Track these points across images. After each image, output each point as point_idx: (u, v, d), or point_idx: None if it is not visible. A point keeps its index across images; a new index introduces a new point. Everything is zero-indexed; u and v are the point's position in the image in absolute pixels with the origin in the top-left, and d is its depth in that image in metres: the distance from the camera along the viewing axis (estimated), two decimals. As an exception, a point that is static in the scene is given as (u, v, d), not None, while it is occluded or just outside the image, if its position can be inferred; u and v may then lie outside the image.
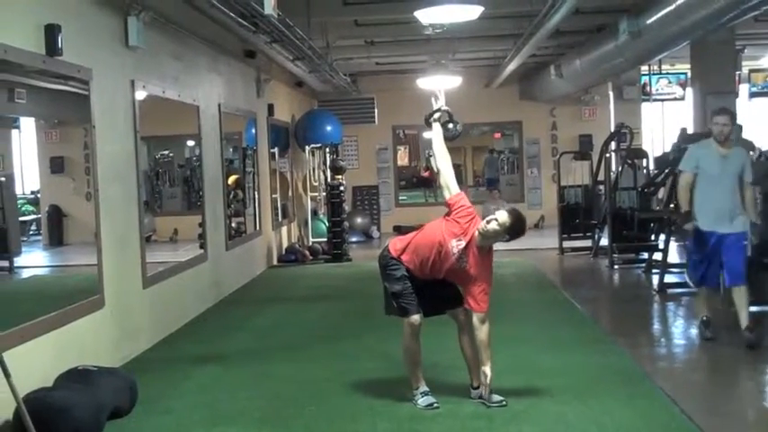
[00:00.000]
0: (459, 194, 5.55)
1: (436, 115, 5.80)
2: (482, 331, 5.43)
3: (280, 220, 14.11)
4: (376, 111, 18.03)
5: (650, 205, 12.55)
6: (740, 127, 11.74)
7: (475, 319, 5.45)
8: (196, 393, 6.11)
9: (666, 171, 11.78)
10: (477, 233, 5.37)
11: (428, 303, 5.65)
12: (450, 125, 5.80)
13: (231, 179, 11.66)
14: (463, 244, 5.39)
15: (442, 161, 5.64)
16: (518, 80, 18.18)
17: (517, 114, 19.23)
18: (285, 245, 14.40)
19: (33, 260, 9.75)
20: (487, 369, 5.43)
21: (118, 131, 7.23)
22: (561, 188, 14.29)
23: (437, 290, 5.63)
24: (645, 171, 13.14)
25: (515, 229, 5.40)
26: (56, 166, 9.33)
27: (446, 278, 5.55)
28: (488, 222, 5.35)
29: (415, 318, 5.51)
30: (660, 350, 7.60)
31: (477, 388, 5.58)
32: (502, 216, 5.36)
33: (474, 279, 5.42)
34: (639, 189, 12.37)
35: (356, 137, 18.79)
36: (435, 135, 5.75)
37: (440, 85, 5.90)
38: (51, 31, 5.78)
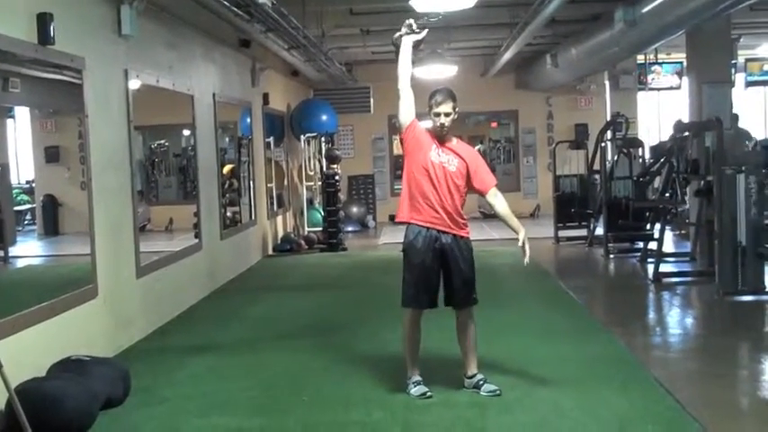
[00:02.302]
0: (411, 124, 5.55)
1: (415, 37, 5.59)
2: (499, 204, 5.58)
3: (275, 209, 14.09)
4: (372, 100, 17.99)
5: (645, 195, 12.56)
6: (736, 116, 11.75)
7: (490, 194, 5.57)
8: (190, 383, 6.10)
9: (662, 160, 11.79)
10: (438, 136, 5.47)
11: (449, 291, 5.61)
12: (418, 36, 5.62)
13: (226, 169, 11.65)
14: (438, 149, 5.46)
15: (406, 82, 5.57)
16: (514, 69, 18.16)
17: (513, 103, 19.25)
18: (281, 234, 14.39)
19: (28, 250, 9.72)
20: (521, 235, 5.52)
21: (111, 121, 7.21)
22: (557, 177, 14.29)
23: (456, 285, 5.56)
24: (640, 160, 13.13)
25: (453, 97, 5.49)
26: (51, 155, 9.28)
27: (457, 194, 5.49)
28: (443, 123, 5.44)
29: (416, 310, 5.53)
30: (655, 339, 7.62)
31: (472, 377, 5.57)
32: (444, 107, 5.44)
33: (473, 168, 5.51)
34: (635, 178, 12.37)
35: (352, 126, 18.79)
36: (404, 51, 5.61)
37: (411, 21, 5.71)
38: (43, 20, 5.75)
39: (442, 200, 5.45)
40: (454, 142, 5.57)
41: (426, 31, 5.67)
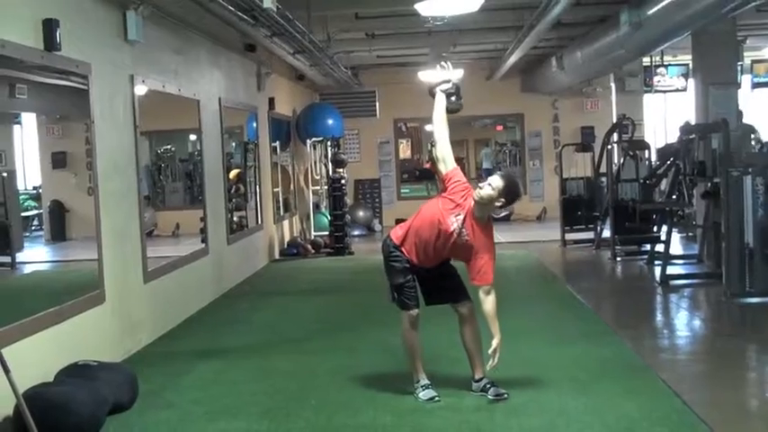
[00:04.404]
0: (455, 169, 5.53)
1: (444, 86, 5.70)
2: (488, 303, 5.41)
3: (281, 213, 14.10)
4: (377, 104, 18.01)
5: (652, 197, 12.54)
6: (741, 113, 11.74)
7: (481, 292, 5.44)
8: (197, 388, 6.11)
9: (668, 162, 11.78)
10: (473, 203, 5.36)
11: (430, 293, 5.69)
12: (454, 98, 5.74)
13: (233, 173, 11.65)
14: (461, 218, 5.38)
15: (442, 133, 5.57)
16: (520, 72, 18.15)
17: (519, 107, 19.22)
18: (287, 238, 14.39)
19: (35, 255, 9.74)
20: (495, 340, 5.37)
21: (117, 126, 7.22)
22: (563, 180, 14.27)
23: (439, 281, 5.65)
24: (647, 163, 13.12)
25: (509, 191, 5.37)
26: (57, 161, 9.31)
27: (451, 256, 5.55)
28: (482, 188, 5.34)
29: (414, 311, 5.53)
30: (662, 342, 7.59)
31: (479, 381, 5.57)
32: (495, 180, 5.34)
33: (476, 252, 5.40)
34: (641, 181, 12.35)
35: (358, 130, 18.78)
36: (438, 104, 5.65)
37: (447, 63, 5.78)
38: (49, 26, 5.76)
39: (434, 254, 5.51)
40: (481, 223, 5.42)
41: (454, 82, 5.71)
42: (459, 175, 5.53)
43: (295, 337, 7.76)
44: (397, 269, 5.55)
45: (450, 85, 5.72)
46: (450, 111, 5.70)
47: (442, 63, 5.82)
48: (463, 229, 5.38)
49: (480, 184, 5.38)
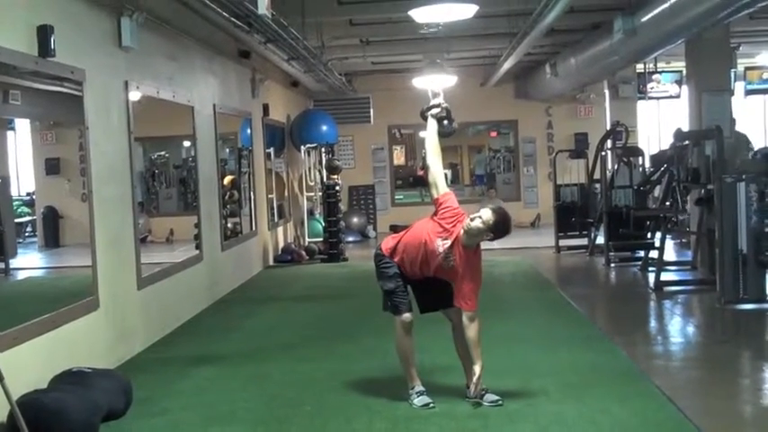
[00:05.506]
0: (446, 194, 5.53)
1: (434, 111, 5.74)
2: (471, 329, 5.42)
3: (276, 220, 14.09)
4: (371, 110, 18.03)
5: (646, 203, 12.56)
6: (734, 120, 11.77)
7: (464, 317, 5.44)
8: (192, 394, 6.09)
9: (662, 169, 11.80)
10: (462, 231, 5.35)
11: (423, 301, 5.70)
12: (446, 122, 5.76)
13: (227, 180, 11.65)
14: (449, 243, 5.37)
15: (433, 157, 5.61)
16: (513, 79, 18.18)
17: (513, 113, 19.24)
18: (281, 245, 14.38)
19: (29, 262, 9.72)
20: (477, 367, 5.40)
21: (112, 132, 7.22)
22: (557, 187, 14.29)
23: (432, 289, 5.65)
24: (641, 169, 13.14)
25: (499, 227, 5.35)
26: (51, 167, 9.29)
27: (437, 276, 5.55)
28: (472, 220, 5.32)
29: (407, 316, 5.53)
30: (656, 348, 7.58)
31: (473, 387, 5.58)
32: (486, 214, 5.33)
33: (462, 278, 5.40)
34: (635, 187, 12.37)
35: (352, 136, 18.78)
36: (429, 130, 5.71)
37: (439, 84, 5.82)
38: (44, 32, 5.75)
39: (420, 271, 5.53)
40: (469, 250, 5.40)
41: (444, 106, 5.73)
42: (451, 201, 5.51)
43: (289, 344, 7.74)
44: (388, 275, 5.56)
45: (440, 109, 5.74)
46: (442, 134, 5.73)
47: (433, 91, 5.83)
48: (450, 255, 5.38)
49: (472, 216, 5.36)
